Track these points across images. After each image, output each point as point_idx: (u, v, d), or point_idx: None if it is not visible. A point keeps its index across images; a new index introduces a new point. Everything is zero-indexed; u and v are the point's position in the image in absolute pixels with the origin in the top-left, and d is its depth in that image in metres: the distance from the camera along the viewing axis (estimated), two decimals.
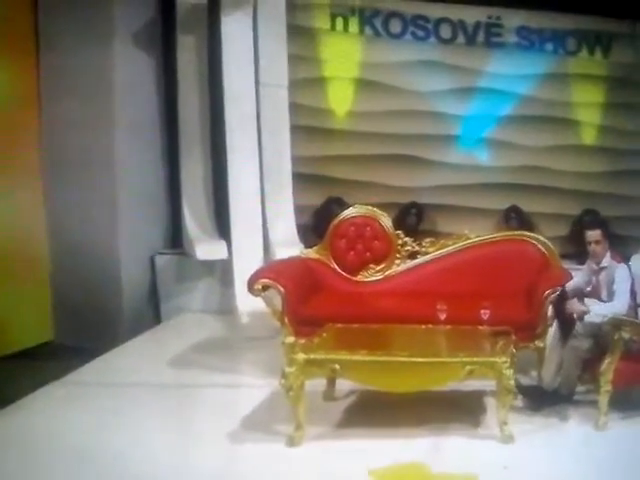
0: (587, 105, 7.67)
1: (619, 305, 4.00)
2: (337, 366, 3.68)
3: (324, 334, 4.09)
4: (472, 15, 7.48)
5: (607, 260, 4.18)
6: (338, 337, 4.13)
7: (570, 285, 4.37)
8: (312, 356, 3.69)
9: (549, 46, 7.62)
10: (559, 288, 4.42)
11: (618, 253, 4.34)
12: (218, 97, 6.00)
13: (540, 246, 5.24)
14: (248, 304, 5.24)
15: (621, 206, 7.47)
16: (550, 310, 4.47)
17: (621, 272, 4.08)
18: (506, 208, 7.43)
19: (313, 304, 4.72)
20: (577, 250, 6.91)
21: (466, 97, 7.49)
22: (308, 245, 5.65)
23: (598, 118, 7.68)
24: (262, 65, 6.05)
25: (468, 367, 3.67)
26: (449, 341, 4.09)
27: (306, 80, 7.15)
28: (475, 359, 3.71)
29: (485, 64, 7.51)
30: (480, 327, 4.10)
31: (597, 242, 4.15)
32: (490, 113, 7.56)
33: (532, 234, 5.46)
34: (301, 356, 3.67)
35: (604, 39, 7.63)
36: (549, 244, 5.25)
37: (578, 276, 4.42)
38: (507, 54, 7.53)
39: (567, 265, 5.29)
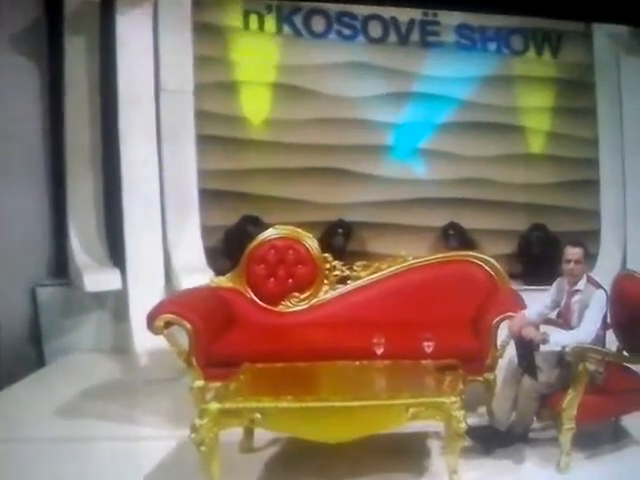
0: (534, 110, 7.80)
1: (583, 334, 3.94)
2: (258, 415, 3.56)
3: (241, 377, 3.98)
4: (406, 12, 7.52)
5: (583, 283, 4.15)
6: (258, 380, 4.02)
7: (533, 312, 4.32)
8: (227, 405, 3.57)
9: (492, 46, 7.74)
10: (510, 314, 4.39)
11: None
12: (112, 105, 5.95)
13: (486, 267, 5.26)
14: (147, 342, 5.12)
15: (572, 220, 7.59)
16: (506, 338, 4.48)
17: (598, 298, 4.05)
18: (444, 225, 7.46)
19: (226, 341, 4.64)
20: (524, 269, 7.16)
21: (399, 103, 7.51)
22: (219, 272, 5.61)
23: (547, 124, 7.82)
24: (163, 68, 6.10)
25: (412, 410, 3.58)
26: (388, 379, 4.03)
27: (216, 85, 7.07)
28: (420, 400, 3.62)
29: (421, 66, 7.56)
30: (423, 361, 4.06)
31: (577, 262, 4.14)
32: (426, 120, 7.59)
33: (477, 254, 5.50)
34: (214, 405, 3.55)
35: (553, 38, 7.79)
36: (496, 265, 5.27)
37: (545, 298, 4.38)
38: (445, 55, 7.61)
39: (515, 286, 5.35)
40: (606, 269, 6.65)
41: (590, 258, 6.67)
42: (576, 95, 7.73)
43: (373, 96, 7.43)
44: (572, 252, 4.12)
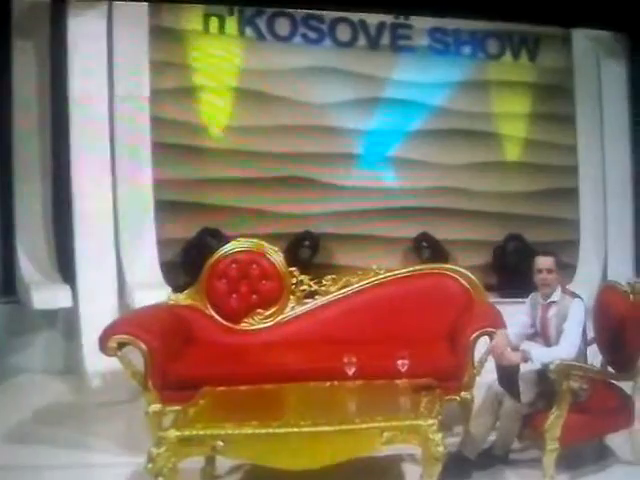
0: (511, 116, 7.84)
1: (566, 349, 3.94)
2: (220, 443, 3.49)
3: (201, 401, 3.92)
4: (375, 15, 7.49)
5: (558, 294, 4.16)
6: (220, 404, 3.97)
7: (512, 334, 4.26)
8: (187, 432, 3.50)
9: (466, 49, 7.76)
10: (488, 329, 4.40)
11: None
12: (62, 112, 5.98)
13: (462, 280, 5.27)
14: (100, 362, 5.02)
15: (550, 230, 7.63)
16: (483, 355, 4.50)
17: (576, 308, 4.04)
18: (416, 236, 7.45)
19: (185, 362, 4.59)
20: (500, 281, 7.22)
21: (369, 109, 7.49)
22: (177, 288, 5.58)
23: (523, 131, 7.85)
24: (118, 74, 6.11)
25: (386, 434, 3.53)
26: (361, 402, 3.99)
27: (174, 90, 7.02)
28: (394, 423, 3.58)
29: (391, 71, 7.55)
30: (398, 381, 4.05)
31: (549, 271, 4.13)
32: (397, 127, 7.58)
33: (452, 266, 5.53)
34: (172, 433, 3.48)
35: (530, 41, 7.84)
36: (472, 277, 5.29)
37: (522, 315, 4.37)
38: (417, 59, 7.61)
39: (491, 299, 5.40)
40: (586, 280, 6.76)
41: (569, 269, 6.83)
42: (554, 100, 7.78)
43: (341, 102, 7.42)
44: (543, 261, 4.13)
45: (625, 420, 4.11)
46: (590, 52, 7.41)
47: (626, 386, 4.18)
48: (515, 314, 4.49)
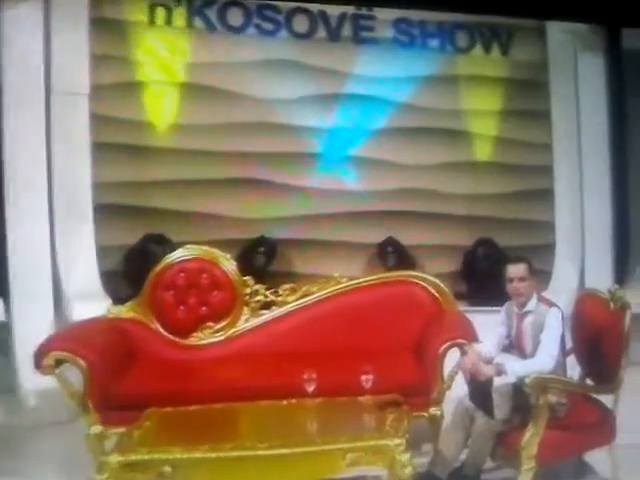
0: (481, 113, 7.89)
1: (543, 361, 3.97)
2: (168, 468, 3.49)
3: (146, 422, 3.92)
4: (336, 5, 7.49)
5: (533, 303, 4.21)
6: (167, 426, 3.98)
7: (490, 346, 4.30)
8: (131, 457, 3.50)
9: (434, 42, 7.79)
10: (459, 340, 4.45)
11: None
12: None
13: (430, 288, 5.33)
14: (36, 380, 4.94)
15: (523, 234, 7.69)
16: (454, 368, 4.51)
17: (553, 318, 4.08)
18: (381, 242, 7.47)
19: (128, 381, 4.60)
20: (470, 289, 7.32)
21: (329, 106, 7.50)
22: (119, 300, 5.56)
23: (495, 129, 7.91)
24: (55, 69, 6.15)
25: (350, 455, 3.56)
26: (322, 421, 4.01)
27: (116, 86, 6.97)
28: (359, 444, 3.59)
29: (353, 65, 7.57)
30: (361, 398, 4.07)
31: (522, 279, 4.17)
32: (360, 125, 7.60)
33: (419, 273, 5.56)
34: (115, 458, 3.48)
35: (503, 34, 7.90)
36: (441, 285, 5.34)
37: (498, 325, 4.39)
38: (381, 52, 7.62)
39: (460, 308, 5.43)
40: (562, 287, 6.85)
41: (544, 275, 6.90)
42: (528, 96, 7.84)
43: (299, 98, 7.43)
44: (514, 270, 4.17)
45: (606, 436, 4.13)
46: (566, 45, 7.50)
47: (606, 399, 4.21)
48: (486, 324, 4.53)
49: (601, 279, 6.64)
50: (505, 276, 4.18)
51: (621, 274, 7.11)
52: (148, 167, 7.12)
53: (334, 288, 5.39)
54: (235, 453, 3.52)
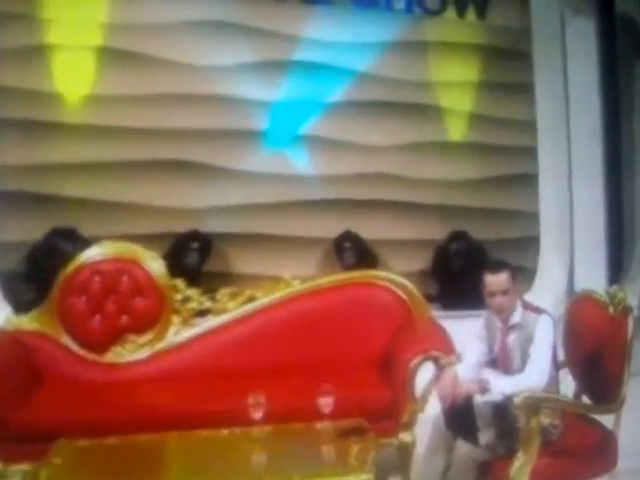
0: (454, 86, 7.88)
1: (535, 377, 3.97)
2: None
3: (56, 459, 3.88)
4: None
5: (519, 315, 4.19)
6: (81, 463, 3.94)
7: (469, 364, 4.29)
8: None
9: (400, 3, 7.79)
10: (433, 352, 4.49)
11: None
12: None
13: (397, 291, 5.40)
14: None
15: (503, 225, 7.78)
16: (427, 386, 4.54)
17: (543, 327, 4.07)
18: (337, 236, 7.44)
19: (32, 407, 4.59)
20: (442, 290, 7.34)
21: (274, 75, 7.42)
22: (20, 308, 5.62)
23: (470, 104, 7.89)
24: None
25: None
26: (272, 454, 4.00)
27: (16, 50, 6.86)
28: None
29: (304, 27, 7.50)
30: (319, 424, 4.09)
31: (505, 292, 4.13)
32: (311, 99, 7.55)
33: (384, 273, 5.61)
34: None
35: None
36: (410, 286, 5.40)
37: (476, 341, 4.39)
38: (337, 13, 7.57)
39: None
40: (548, 287, 6.94)
41: (527, 273, 6.96)
42: (508, 67, 7.87)
43: (238, 65, 7.35)
44: (494, 281, 4.11)
45: (606, 462, 4.13)
46: (552, 9, 7.52)
47: (606, 419, 4.21)
48: (462, 331, 4.53)
49: (593, 278, 6.71)
50: (483, 287, 4.14)
51: (615, 272, 7.18)
52: (56, 147, 6.97)
53: (284, 292, 5.45)
54: None
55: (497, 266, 4.16)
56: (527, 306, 4.19)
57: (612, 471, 4.14)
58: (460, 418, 4.00)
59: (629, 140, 7.45)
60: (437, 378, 4.27)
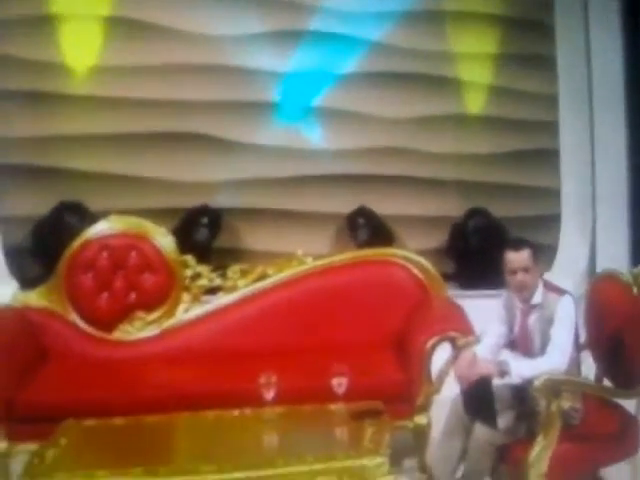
0: (473, 57, 7.83)
1: (556, 360, 3.93)
2: None
3: (62, 439, 3.85)
4: None
5: (540, 295, 4.15)
6: (88, 443, 3.94)
7: (486, 347, 4.25)
8: None
9: None
10: (451, 333, 4.47)
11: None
12: None
13: (414, 269, 5.36)
14: None
15: (523, 202, 7.80)
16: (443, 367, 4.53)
17: (564, 308, 4.04)
18: (351, 212, 7.47)
19: (39, 386, 4.59)
20: (460, 269, 7.36)
21: (287, 45, 7.43)
22: (27, 284, 5.69)
23: (489, 76, 7.86)
24: None
25: (320, 478, 3.53)
26: (284, 436, 4.00)
27: (21, 20, 6.88)
28: (330, 464, 3.58)
29: None
30: (332, 406, 4.08)
31: (526, 269, 4.10)
32: (325, 70, 7.54)
33: (400, 251, 5.60)
34: None
35: None
36: (427, 265, 5.37)
37: (495, 322, 4.35)
38: None
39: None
40: (569, 267, 6.91)
41: (548, 252, 6.92)
42: (529, 38, 7.82)
43: (249, 35, 7.35)
44: (516, 259, 4.08)
45: (629, 447, 4.11)
46: None
47: (628, 403, 4.20)
48: (480, 311, 4.49)
49: (615, 257, 6.68)
50: (504, 265, 4.11)
51: (638, 251, 7.12)
52: (62, 119, 7.02)
53: (296, 270, 5.40)
54: (173, 478, 3.52)
55: (519, 243, 4.14)
56: (549, 286, 4.16)
57: (634, 456, 4.11)
58: (478, 401, 3.98)
59: None
60: (454, 359, 4.26)
